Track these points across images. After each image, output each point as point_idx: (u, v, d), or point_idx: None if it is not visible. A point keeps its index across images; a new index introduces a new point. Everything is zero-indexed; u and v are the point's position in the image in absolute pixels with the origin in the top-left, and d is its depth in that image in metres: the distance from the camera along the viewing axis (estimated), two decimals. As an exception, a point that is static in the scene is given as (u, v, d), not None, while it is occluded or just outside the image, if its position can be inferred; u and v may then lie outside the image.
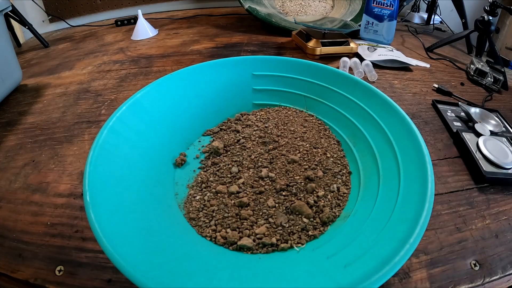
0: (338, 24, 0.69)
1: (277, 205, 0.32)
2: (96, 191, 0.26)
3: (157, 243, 0.26)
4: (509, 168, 0.38)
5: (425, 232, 0.26)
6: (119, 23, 0.96)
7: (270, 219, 0.30)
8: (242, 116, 0.44)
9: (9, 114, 0.54)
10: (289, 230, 0.29)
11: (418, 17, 1.01)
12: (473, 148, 0.40)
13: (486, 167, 0.38)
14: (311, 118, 0.43)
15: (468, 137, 0.42)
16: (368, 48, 0.68)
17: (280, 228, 0.30)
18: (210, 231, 0.30)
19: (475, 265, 0.29)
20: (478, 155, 0.39)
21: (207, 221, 0.31)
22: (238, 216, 0.31)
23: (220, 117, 0.45)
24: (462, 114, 0.48)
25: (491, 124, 0.45)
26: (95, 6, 1.02)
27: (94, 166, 0.28)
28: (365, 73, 0.59)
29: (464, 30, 0.74)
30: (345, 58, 0.61)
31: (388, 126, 0.35)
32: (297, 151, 0.37)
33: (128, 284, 0.28)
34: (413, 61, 0.64)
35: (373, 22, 0.73)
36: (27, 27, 0.81)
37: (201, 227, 0.30)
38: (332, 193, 0.33)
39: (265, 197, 0.32)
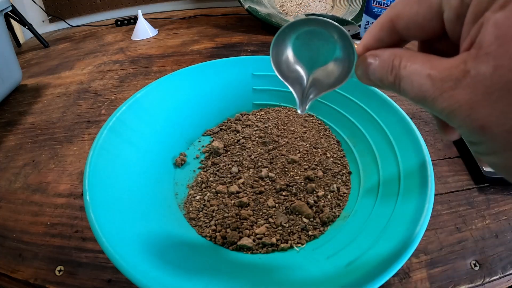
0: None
1: (277, 205, 0.32)
2: (96, 191, 0.26)
3: (157, 243, 0.26)
4: (509, 168, 0.38)
5: (425, 232, 0.26)
6: (119, 23, 0.96)
7: (270, 219, 0.30)
8: (242, 116, 0.44)
9: (9, 114, 0.54)
10: (289, 230, 0.29)
11: (418, 17, 1.00)
12: (473, 148, 0.40)
13: (486, 167, 0.38)
14: (311, 118, 0.43)
15: (468, 137, 0.42)
16: (368, 48, 0.68)
17: (280, 228, 0.30)
18: (210, 231, 0.30)
19: (475, 265, 0.29)
20: (478, 155, 0.39)
21: (207, 221, 0.31)
22: (238, 216, 0.31)
23: (220, 117, 0.45)
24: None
25: None
26: (95, 6, 1.02)
27: (94, 166, 0.28)
28: (365, 73, 0.59)
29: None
30: (345, 58, 0.61)
31: (388, 126, 0.35)
32: (297, 151, 0.37)
33: (128, 284, 0.28)
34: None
35: (373, 22, 0.73)
36: (27, 27, 0.81)
37: (201, 227, 0.30)
38: (332, 193, 0.33)
39: (265, 197, 0.32)
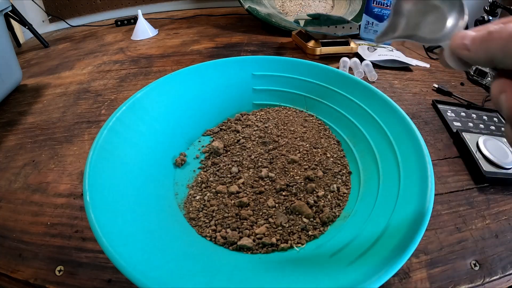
0: (338, 22, 0.69)
1: (277, 205, 0.32)
2: (96, 191, 0.26)
3: (157, 243, 0.26)
4: (509, 168, 0.38)
5: (425, 232, 0.26)
6: (119, 23, 0.96)
7: (270, 219, 0.30)
8: (242, 116, 0.44)
9: (9, 114, 0.54)
10: (289, 230, 0.29)
11: (418, 17, 1.00)
12: (473, 148, 0.40)
13: (486, 167, 0.38)
14: (311, 118, 0.43)
15: (468, 137, 0.42)
16: (368, 48, 0.68)
17: (280, 228, 0.30)
18: (210, 231, 0.30)
19: (475, 265, 0.29)
20: (478, 155, 0.39)
21: (207, 221, 0.31)
22: (238, 216, 0.31)
23: (220, 117, 0.45)
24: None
25: None
26: (95, 6, 1.02)
27: (94, 166, 0.28)
28: (365, 73, 0.59)
29: (464, 30, 0.74)
30: (345, 58, 0.61)
31: (388, 126, 0.35)
32: (297, 151, 0.37)
33: (128, 284, 0.28)
34: (413, 61, 0.64)
35: (373, 22, 0.73)
36: (27, 27, 0.81)
37: (201, 227, 0.30)
38: (332, 193, 0.33)
39: (265, 197, 0.32)
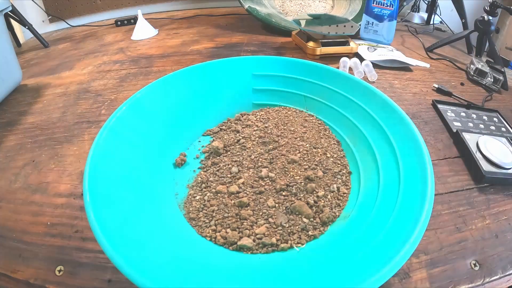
0: (338, 22, 0.69)
1: (277, 205, 0.32)
2: (96, 191, 0.26)
3: (157, 243, 0.26)
4: (509, 168, 0.38)
5: (425, 232, 0.26)
6: (119, 23, 0.96)
7: (270, 219, 0.30)
8: (242, 116, 0.44)
9: (9, 114, 0.53)
10: (289, 230, 0.29)
11: (418, 17, 1.01)
12: (473, 148, 0.40)
13: (486, 167, 0.38)
14: (311, 118, 0.43)
15: (468, 137, 0.42)
16: (368, 48, 0.68)
17: (280, 228, 0.30)
18: (210, 231, 0.30)
19: (475, 265, 0.29)
20: (478, 155, 0.39)
21: (207, 221, 0.31)
22: (238, 216, 0.31)
23: (220, 117, 0.45)
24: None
25: None
26: (95, 6, 1.02)
27: (94, 166, 0.28)
28: (365, 73, 0.59)
29: (464, 30, 0.74)
30: (345, 58, 0.61)
31: (388, 126, 0.35)
32: (297, 151, 0.37)
33: (128, 284, 0.28)
34: (413, 61, 0.64)
35: (373, 22, 0.73)
36: (27, 27, 0.81)
37: (201, 227, 0.30)
38: (332, 193, 0.33)
39: (265, 197, 0.32)
